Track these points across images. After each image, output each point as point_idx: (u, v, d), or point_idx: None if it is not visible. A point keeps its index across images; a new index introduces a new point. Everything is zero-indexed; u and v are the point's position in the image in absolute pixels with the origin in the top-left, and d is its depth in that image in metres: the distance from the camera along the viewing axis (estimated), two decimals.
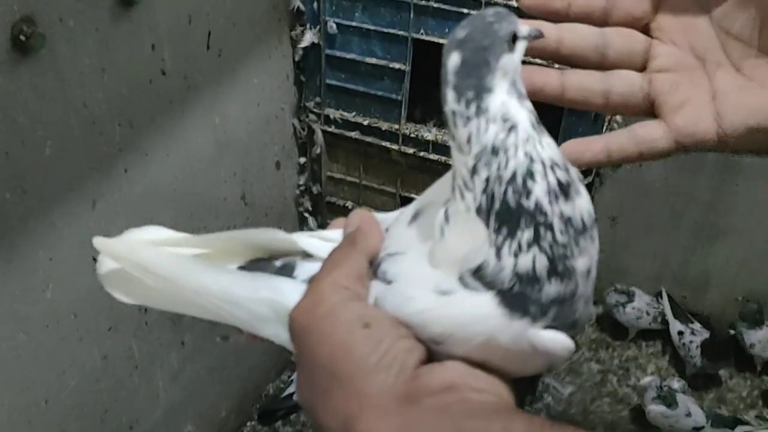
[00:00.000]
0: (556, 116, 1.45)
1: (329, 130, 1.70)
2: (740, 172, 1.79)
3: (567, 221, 0.45)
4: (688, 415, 1.80)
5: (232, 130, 1.48)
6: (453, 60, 0.45)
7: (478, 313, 0.45)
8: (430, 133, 1.63)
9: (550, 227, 0.44)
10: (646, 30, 0.54)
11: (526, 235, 0.44)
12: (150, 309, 1.04)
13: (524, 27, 0.49)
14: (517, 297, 0.45)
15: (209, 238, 0.59)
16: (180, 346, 1.48)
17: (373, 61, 1.57)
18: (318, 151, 1.74)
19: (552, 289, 0.45)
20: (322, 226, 1.90)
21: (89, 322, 1.19)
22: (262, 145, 1.62)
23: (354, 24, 1.54)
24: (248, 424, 1.87)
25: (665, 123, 0.52)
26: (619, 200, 1.92)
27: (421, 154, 1.64)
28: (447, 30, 1.47)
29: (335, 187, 1.82)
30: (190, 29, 1.27)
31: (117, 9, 1.08)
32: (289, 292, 0.52)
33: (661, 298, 2.06)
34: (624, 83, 0.53)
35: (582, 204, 0.46)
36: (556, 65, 0.55)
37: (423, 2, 1.46)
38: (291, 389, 1.90)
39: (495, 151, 0.44)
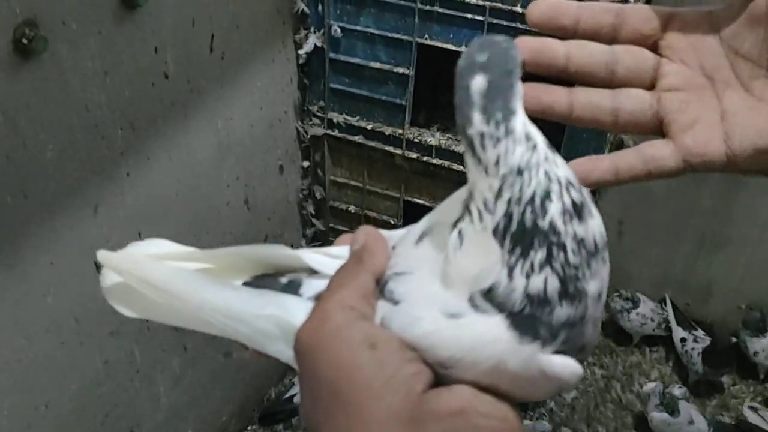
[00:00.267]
0: (559, 126, 1.45)
1: (333, 134, 1.70)
2: (744, 181, 1.79)
3: (580, 242, 0.44)
4: (691, 422, 1.79)
5: (234, 134, 1.47)
6: (478, 82, 0.44)
7: (488, 337, 0.45)
8: (433, 138, 1.62)
9: (563, 248, 0.44)
10: (654, 48, 0.53)
11: (539, 255, 0.44)
12: None
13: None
14: (528, 320, 0.44)
15: (214, 253, 0.58)
16: (182, 351, 1.48)
17: (378, 65, 1.56)
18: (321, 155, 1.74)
19: (563, 312, 0.44)
20: (326, 230, 1.90)
21: (90, 327, 1.19)
22: (265, 148, 1.62)
23: (358, 28, 1.54)
24: (249, 428, 1.87)
25: (674, 142, 0.51)
26: (624, 207, 1.92)
27: (425, 158, 1.64)
28: (451, 35, 1.47)
29: (338, 191, 1.82)
30: (194, 32, 1.26)
31: (120, 12, 1.07)
32: (294, 309, 0.52)
33: (665, 304, 2.05)
34: (633, 101, 0.53)
35: (595, 225, 0.46)
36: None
37: (428, 7, 1.46)
38: (292, 392, 1.90)
39: (520, 172, 0.44)
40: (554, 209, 0.44)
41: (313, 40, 1.57)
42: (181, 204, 1.35)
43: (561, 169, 0.45)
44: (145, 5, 1.10)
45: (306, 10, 1.54)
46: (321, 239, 1.93)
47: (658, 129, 0.53)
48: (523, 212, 0.44)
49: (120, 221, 1.19)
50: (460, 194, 0.49)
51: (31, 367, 1.10)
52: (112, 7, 1.05)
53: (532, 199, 0.44)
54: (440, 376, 0.47)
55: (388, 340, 0.46)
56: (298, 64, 1.63)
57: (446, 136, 1.62)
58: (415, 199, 1.73)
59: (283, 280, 0.56)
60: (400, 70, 1.55)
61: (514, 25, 1.41)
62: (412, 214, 1.76)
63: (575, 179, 0.46)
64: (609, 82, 0.53)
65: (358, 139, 1.67)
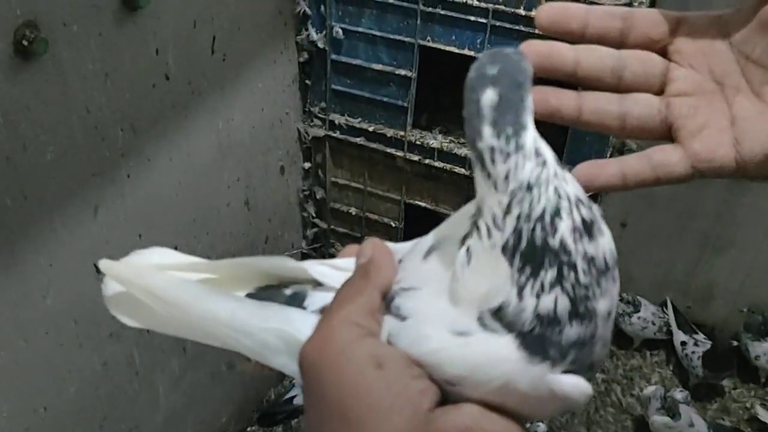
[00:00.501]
0: (562, 130, 1.44)
1: (334, 135, 1.69)
2: (747, 184, 1.78)
3: (590, 261, 0.44)
4: (691, 425, 1.79)
5: (235, 135, 1.47)
6: (488, 95, 0.43)
7: (497, 357, 0.44)
8: (435, 141, 1.61)
9: (573, 267, 0.43)
10: (663, 53, 0.52)
11: (549, 275, 0.43)
12: None
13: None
14: (537, 340, 0.43)
15: (218, 264, 0.58)
16: (182, 353, 1.47)
17: (380, 67, 1.56)
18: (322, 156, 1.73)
19: (572, 331, 0.43)
20: (326, 232, 1.90)
21: (89, 329, 1.18)
22: (266, 150, 1.61)
23: (360, 30, 1.53)
24: (248, 429, 1.87)
25: (682, 148, 0.51)
26: (626, 209, 1.92)
27: (427, 161, 1.63)
28: (454, 37, 1.46)
29: (339, 192, 1.81)
30: (195, 34, 1.26)
31: (121, 13, 1.07)
32: (299, 323, 0.51)
33: (666, 307, 2.05)
34: (641, 106, 0.52)
35: (605, 243, 0.45)
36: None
37: (430, 9, 1.45)
38: (292, 393, 1.90)
39: (530, 188, 0.43)
40: (564, 227, 0.43)
41: (314, 42, 1.57)
42: (181, 205, 1.35)
43: (570, 185, 0.45)
44: (146, 7, 1.09)
45: (308, 11, 1.54)
46: (321, 241, 1.92)
47: (666, 134, 0.52)
48: (533, 229, 0.43)
49: (120, 223, 1.19)
50: (469, 208, 0.48)
51: (30, 368, 1.09)
52: (113, 8, 1.05)
53: (541, 216, 0.43)
54: (447, 393, 0.46)
55: (394, 359, 0.46)
56: (299, 65, 1.62)
57: (448, 139, 1.62)
58: (417, 202, 1.72)
59: (288, 292, 0.56)
60: (402, 72, 1.54)
61: (517, 27, 1.40)
62: (413, 217, 1.75)
63: (585, 196, 0.45)
64: (617, 86, 0.52)
65: (359, 140, 1.67)
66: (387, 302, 0.50)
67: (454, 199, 1.66)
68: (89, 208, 1.12)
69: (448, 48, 1.48)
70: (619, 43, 0.52)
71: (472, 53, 1.45)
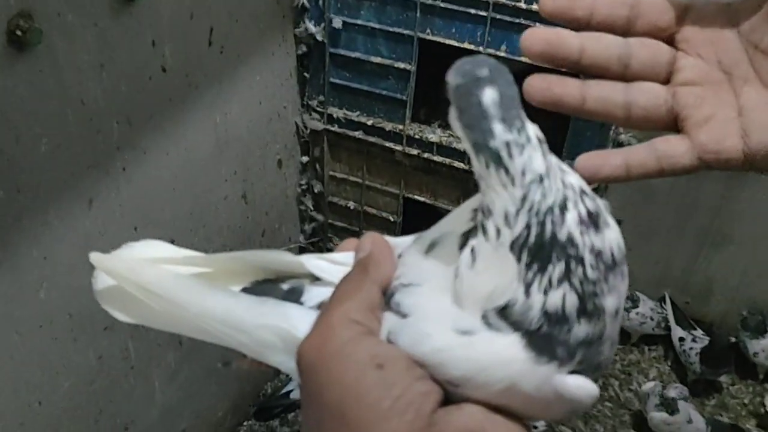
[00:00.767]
0: (564, 123, 1.43)
1: (332, 129, 1.68)
2: (746, 179, 1.78)
3: (597, 255, 0.43)
4: (689, 421, 1.79)
5: (233, 128, 1.46)
6: (489, 94, 0.42)
7: (502, 357, 0.43)
8: (434, 135, 1.60)
9: (581, 261, 0.42)
10: (671, 41, 0.51)
11: (557, 270, 0.42)
12: None
13: None
14: (545, 339, 0.42)
15: (213, 258, 0.57)
16: (177, 346, 1.46)
17: (378, 60, 1.55)
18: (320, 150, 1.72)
19: (581, 330, 0.42)
20: (324, 225, 1.89)
21: (84, 323, 1.17)
22: (264, 143, 1.60)
23: (359, 22, 1.52)
24: (245, 423, 1.86)
25: (688, 138, 0.50)
26: (624, 204, 1.91)
27: (425, 155, 1.62)
28: (454, 30, 1.45)
29: (337, 186, 1.80)
30: (192, 25, 1.25)
31: (117, 4, 1.05)
32: (296, 319, 0.50)
33: (665, 302, 2.05)
34: (647, 96, 0.51)
35: (612, 236, 0.44)
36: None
37: (430, 1, 1.44)
38: (288, 387, 1.89)
39: (542, 179, 0.42)
40: (571, 219, 0.42)
41: (313, 34, 1.55)
42: (178, 198, 1.34)
43: (572, 175, 0.44)
44: None
45: (306, 3, 1.53)
46: (319, 235, 1.91)
47: (672, 125, 0.51)
48: (543, 223, 0.42)
49: (115, 216, 1.18)
50: (470, 204, 0.47)
51: (24, 363, 1.08)
52: None
53: (551, 209, 0.42)
54: (449, 393, 0.45)
55: (395, 359, 0.44)
56: (297, 58, 1.61)
57: (447, 133, 1.60)
58: (415, 196, 1.71)
59: (285, 286, 0.55)
60: (401, 65, 1.53)
61: (517, 20, 1.39)
62: (411, 211, 1.74)
63: (588, 187, 0.44)
64: (623, 75, 0.51)
65: (358, 134, 1.66)
66: (387, 298, 0.48)
67: (453, 194, 1.65)
68: (84, 201, 1.11)
69: (447, 41, 1.47)
70: (625, 31, 0.51)
71: (472, 46, 1.44)
